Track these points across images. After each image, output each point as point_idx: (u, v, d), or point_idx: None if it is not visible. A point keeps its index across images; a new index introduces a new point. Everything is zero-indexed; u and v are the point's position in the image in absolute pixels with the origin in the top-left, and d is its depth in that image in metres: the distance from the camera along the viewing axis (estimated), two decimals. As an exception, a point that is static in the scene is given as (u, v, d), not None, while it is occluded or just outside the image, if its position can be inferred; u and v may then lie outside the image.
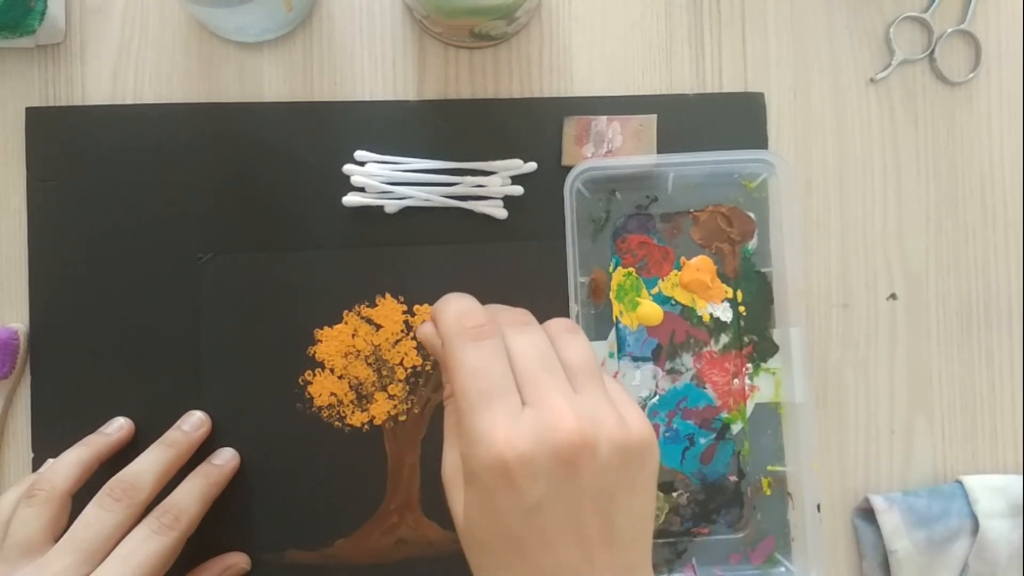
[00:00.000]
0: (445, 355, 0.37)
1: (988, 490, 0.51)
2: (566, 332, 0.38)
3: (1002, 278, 0.54)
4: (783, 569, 0.51)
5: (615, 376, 0.51)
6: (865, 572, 0.52)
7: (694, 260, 0.51)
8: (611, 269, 0.51)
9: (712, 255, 0.52)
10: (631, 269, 0.51)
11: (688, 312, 0.51)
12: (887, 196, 0.54)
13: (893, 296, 0.53)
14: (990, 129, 0.54)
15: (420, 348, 0.51)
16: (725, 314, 0.52)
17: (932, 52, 0.54)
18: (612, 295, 0.51)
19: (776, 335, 0.52)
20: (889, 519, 0.50)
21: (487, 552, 0.36)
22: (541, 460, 0.33)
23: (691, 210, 0.52)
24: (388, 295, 0.51)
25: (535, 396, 0.35)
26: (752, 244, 0.52)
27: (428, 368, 0.51)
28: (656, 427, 0.51)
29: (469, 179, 0.51)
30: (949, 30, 0.54)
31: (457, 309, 0.38)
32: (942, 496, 0.51)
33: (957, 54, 0.54)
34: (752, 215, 0.52)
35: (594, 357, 0.38)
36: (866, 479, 0.53)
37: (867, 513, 0.52)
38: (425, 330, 0.41)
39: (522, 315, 0.39)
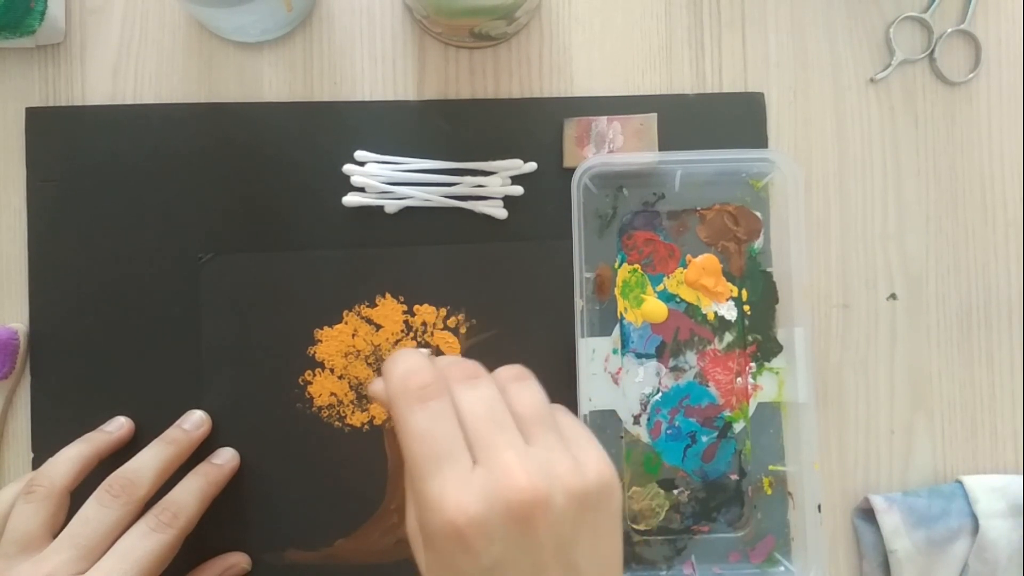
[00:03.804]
0: (393, 418, 0.36)
1: (988, 490, 0.51)
2: (515, 381, 0.38)
3: (1002, 278, 0.54)
4: (782, 568, 0.50)
5: (618, 373, 0.51)
6: (865, 572, 0.52)
7: (700, 258, 0.51)
8: (616, 265, 0.51)
9: (718, 253, 0.52)
10: (636, 266, 0.51)
11: (693, 310, 0.51)
12: (887, 196, 0.54)
13: (893, 296, 0.53)
14: (990, 129, 0.54)
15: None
16: (730, 313, 0.52)
17: (932, 52, 0.54)
18: (617, 291, 0.51)
19: (780, 335, 0.52)
20: (889, 519, 0.50)
21: None
22: (494, 521, 0.33)
23: (698, 208, 0.52)
24: (388, 295, 0.51)
25: (485, 455, 0.34)
26: (758, 243, 0.52)
27: (428, 368, 0.51)
28: (658, 424, 0.51)
29: (469, 179, 0.51)
30: (949, 30, 0.54)
31: (404, 369, 0.37)
32: (942, 496, 0.51)
33: (957, 54, 0.54)
34: (759, 214, 0.52)
35: (545, 403, 0.37)
36: (866, 479, 0.53)
37: (867, 513, 0.52)
38: (376, 388, 0.40)
39: (471, 368, 0.38)
